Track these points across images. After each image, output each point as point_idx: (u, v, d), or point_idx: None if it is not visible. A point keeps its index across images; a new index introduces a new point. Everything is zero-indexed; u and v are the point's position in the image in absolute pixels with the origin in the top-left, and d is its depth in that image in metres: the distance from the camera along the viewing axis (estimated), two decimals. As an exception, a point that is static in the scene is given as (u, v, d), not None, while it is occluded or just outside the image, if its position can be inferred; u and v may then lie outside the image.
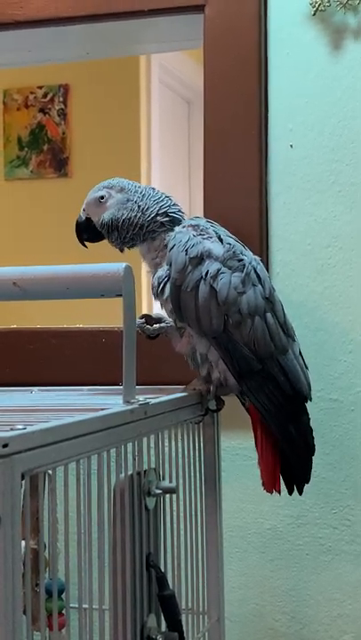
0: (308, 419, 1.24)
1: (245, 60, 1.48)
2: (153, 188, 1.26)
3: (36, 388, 1.33)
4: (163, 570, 1.07)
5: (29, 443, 0.75)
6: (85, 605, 0.97)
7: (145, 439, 1.05)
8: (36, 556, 1.01)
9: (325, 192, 1.47)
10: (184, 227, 1.22)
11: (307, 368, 1.25)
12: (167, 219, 1.23)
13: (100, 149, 3.36)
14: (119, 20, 1.55)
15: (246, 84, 1.48)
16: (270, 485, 1.22)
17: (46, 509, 1.02)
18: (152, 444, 1.09)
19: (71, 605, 0.94)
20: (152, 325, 1.24)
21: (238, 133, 1.49)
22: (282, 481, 1.24)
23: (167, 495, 1.11)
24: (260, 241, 1.47)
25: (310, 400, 1.24)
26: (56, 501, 0.85)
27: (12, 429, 0.74)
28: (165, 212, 1.23)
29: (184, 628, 1.08)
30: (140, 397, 1.01)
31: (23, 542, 0.75)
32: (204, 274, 1.17)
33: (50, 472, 0.86)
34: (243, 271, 1.19)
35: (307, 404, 1.24)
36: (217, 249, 1.19)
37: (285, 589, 1.49)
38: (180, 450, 1.19)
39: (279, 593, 1.50)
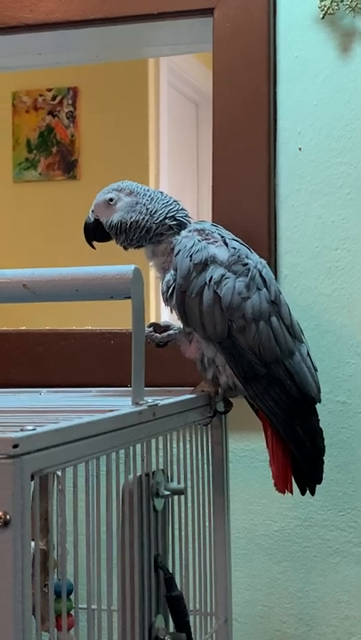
0: (318, 420, 1.24)
1: (254, 62, 1.48)
2: (161, 192, 1.27)
3: (44, 390, 1.34)
4: (171, 571, 1.08)
5: (39, 443, 0.75)
6: (94, 606, 0.97)
7: (153, 440, 1.06)
8: (45, 557, 1.02)
9: (334, 194, 1.47)
10: (190, 231, 1.22)
11: (316, 370, 1.25)
12: (175, 222, 1.24)
13: (109, 152, 3.37)
14: (129, 24, 1.56)
15: (255, 87, 1.49)
16: (282, 486, 1.22)
17: (55, 510, 1.03)
18: (160, 446, 1.09)
19: (80, 606, 0.94)
20: (160, 333, 1.24)
21: (247, 136, 1.49)
22: (294, 482, 1.25)
23: (175, 496, 1.11)
24: (268, 243, 1.48)
25: (319, 402, 1.25)
26: (65, 502, 0.85)
27: (21, 430, 0.74)
28: (173, 216, 1.24)
29: (192, 629, 1.09)
30: (149, 399, 1.01)
31: (32, 543, 0.76)
32: (208, 279, 1.17)
33: (59, 473, 0.86)
34: (247, 275, 1.19)
35: (316, 406, 1.25)
36: (222, 254, 1.19)
37: (293, 591, 1.49)
38: (188, 451, 1.19)
39: (287, 595, 1.50)
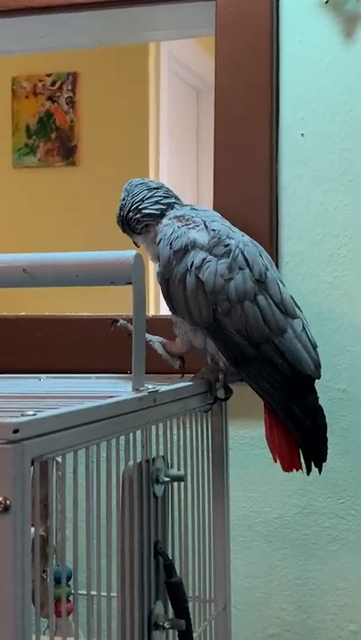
0: (317, 398, 1.21)
1: (257, 47, 1.47)
2: (143, 183, 1.28)
3: (44, 376, 1.33)
4: (170, 557, 1.07)
5: (40, 429, 0.75)
6: (93, 592, 0.97)
7: (154, 427, 1.05)
8: (45, 543, 1.01)
9: (336, 181, 1.47)
10: (170, 218, 1.23)
11: (314, 346, 1.22)
12: (138, 215, 1.25)
13: (109, 138, 3.36)
14: (131, 7, 1.55)
15: (258, 72, 1.48)
16: (288, 465, 1.21)
17: (55, 496, 1.03)
18: (160, 432, 1.09)
19: (79, 592, 0.94)
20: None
21: (249, 122, 1.48)
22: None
23: (175, 483, 1.11)
24: (269, 230, 1.47)
25: (318, 378, 1.21)
26: (65, 488, 0.85)
27: (22, 415, 0.74)
28: (137, 208, 1.25)
29: (191, 616, 1.08)
30: (150, 385, 1.01)
31: (32, 529, 0.75)
32: (189, 265, 1.17)
33: (59, 459, 0.86)
34: (229, 256, 1.18)
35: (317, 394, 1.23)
36: (202, 238, 1.19)
37: (292, 578, 1.50)
38: (188, 438, 1.19)
39: (285, 582, 1.50)
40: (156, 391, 1.01)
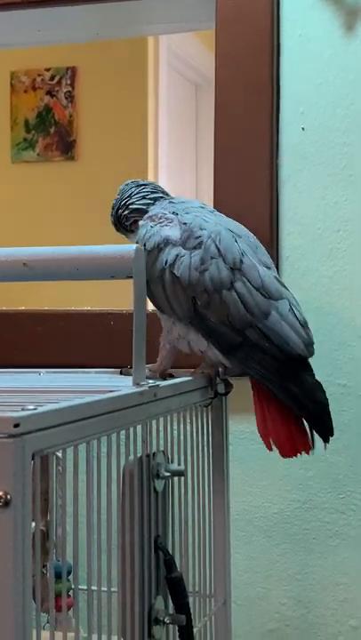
0: (312, 374, 1.18)
1: (257, 41, 1.47)
2: (134, 182, 1.29)
3: (44, 370, 1.33)
4: (170, 552, 1.07)
5: (40, 423, 0.75)
6: (94, 587, 0.97)
7: (154, 422, 1.05)
8: (45, 538, 1.01)
9: (337, 175, 1.46)
10: (145, 219, 1.23)
11: (303, 324, 1.19)
12: (127, 212, 1.27)
13: (107, 132, 3.36)
14: (130, 0, 1.54)
15: (258, 66, 1.47)
16: (290, 449, 1.17)
17: (55, 491, 1.02)
18: (161, 427, 1.09)
19: (79, 587, 0.94)
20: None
21: (249, 116, 1.48)
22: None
23: (175, 478, 1.10)
24: (270, 224, 1.47)
25: (311, 356, 1.18)
26: (65, 483, 0.85)
27: (23, 410, 0.74)
28: (125, 205, 1.27)
29: (191, 611, 1.08)
30: (150, 380, 1.01)
31: (32, 523, 0.75)
32: (164, 263, 1.17)
33: (59, 454, 0.85)
34: (201, 248, 1.17)
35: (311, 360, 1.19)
36: (174, 233, 1.18)
37: (292, 573, 1.49)
38: (188, 433, 1.19)
39: (285, 577, 1.50)
40: (157, 386, 1.00)
